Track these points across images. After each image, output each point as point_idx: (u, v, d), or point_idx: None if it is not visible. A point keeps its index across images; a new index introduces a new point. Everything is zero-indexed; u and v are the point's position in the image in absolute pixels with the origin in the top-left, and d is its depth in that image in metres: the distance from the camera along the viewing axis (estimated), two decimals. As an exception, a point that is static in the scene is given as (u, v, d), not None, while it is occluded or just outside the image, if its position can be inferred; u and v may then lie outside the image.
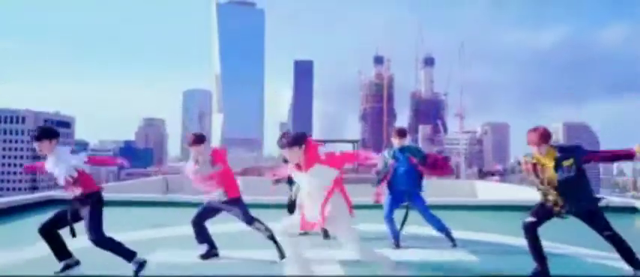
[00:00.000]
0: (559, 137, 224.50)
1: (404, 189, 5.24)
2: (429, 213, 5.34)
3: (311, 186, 3.64)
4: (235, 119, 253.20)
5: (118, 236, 4.17)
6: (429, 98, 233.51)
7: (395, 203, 5.32)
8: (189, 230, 4.84)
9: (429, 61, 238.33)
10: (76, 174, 3.99)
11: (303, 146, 3.64)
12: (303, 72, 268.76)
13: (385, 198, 5.35)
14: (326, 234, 5.67)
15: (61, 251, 4.16)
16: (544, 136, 3.88)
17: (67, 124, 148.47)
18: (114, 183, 13.74)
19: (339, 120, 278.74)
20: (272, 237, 4.45)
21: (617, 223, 4.00)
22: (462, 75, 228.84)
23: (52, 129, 4.15)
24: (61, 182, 4.03)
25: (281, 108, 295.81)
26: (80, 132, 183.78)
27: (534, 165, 3.94)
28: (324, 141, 26.43)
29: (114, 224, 4.64)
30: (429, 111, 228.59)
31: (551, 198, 3.91)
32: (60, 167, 4.01)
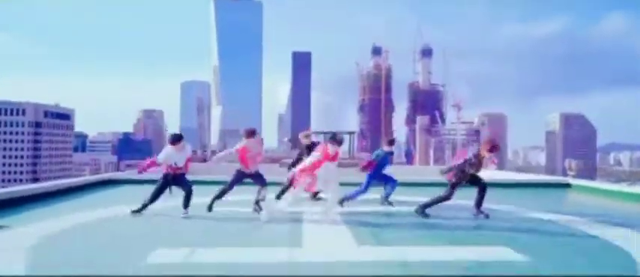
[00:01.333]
0: (556, 127, 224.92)
1: (385, 175, 7.75)
2: (390, 188, 7.73)
3: (334, 173, 6.17)
4: (234, 110, 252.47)
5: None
6: (427, 89, 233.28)
7: (373, 180, 7.59)
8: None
9: (426, 52, 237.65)
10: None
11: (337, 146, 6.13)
12: (302, 64, 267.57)
13: (366, 177, 7.58)
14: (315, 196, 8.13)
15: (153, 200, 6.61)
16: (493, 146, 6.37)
17: (66, 116, 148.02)
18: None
19: (337, 112, 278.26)
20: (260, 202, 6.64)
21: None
22: (458, 67, 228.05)
23: (181, 135, 6.71)
24: (181, 163, 6.54)
25: (279, 99, 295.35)
26: (80, 125, 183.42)
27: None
28: (323, 133, 26.33)
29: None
30: (427, 102, 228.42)
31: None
32: (184, 154, 6.59)
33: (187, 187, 6.51)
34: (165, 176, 6.55)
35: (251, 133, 6.66)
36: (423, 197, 7.30)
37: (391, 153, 7.79)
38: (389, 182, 7.70)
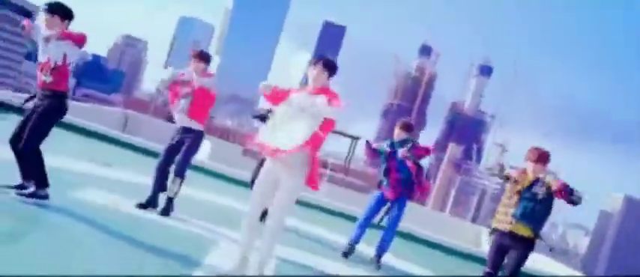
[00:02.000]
0: (615, 209, 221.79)
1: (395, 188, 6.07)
2: (392, 231, 6.16)
3: (303, 106, 3.87)
4: (233, 68, 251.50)
5: (58, 161, 5.45)
6: (471, 114, 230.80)
7: (379, 204, 6.22)
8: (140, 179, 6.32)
9: (485, 70, 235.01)
10: (61, 60, 4.50)
11: (331, 78, 4.12)
12: (332, 37, 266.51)
13: (370, 198, 6.33)
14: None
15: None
16: (543, 157, 4.93)
17: (28, 13, 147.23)
18: (76, 103, 14.68)
19: (356, 107, 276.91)
20: (171, 200, 5.47)
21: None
22: (519, 99, 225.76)
23: (61, 5, 4.66)
24: (43, 59, 4.47)
25: (292, 71, 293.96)
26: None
27: (522, 173, 4.95)
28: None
29: (60, 145, 5.73)
30: (467, 129, 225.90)
31: (510, 211, 4.86)
32: (56, 46, 4.48)
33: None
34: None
35: (198, 55, 5.71)
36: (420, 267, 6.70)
37: (405, 144, 6.09)
38: (392, 212, 6.18)
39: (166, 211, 5.44)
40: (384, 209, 6.27)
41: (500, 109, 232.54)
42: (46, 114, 4.48)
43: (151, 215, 5.31)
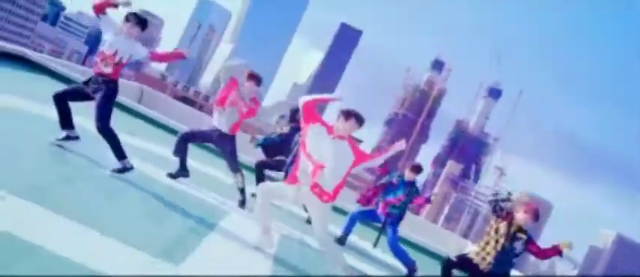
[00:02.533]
0: (606, 245, 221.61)
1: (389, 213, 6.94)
2: (397, 244, 6.89)
3: (335, 155, 4.56)
4: (244, 58, 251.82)
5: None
6: (475, 135, 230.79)
7: (370, 215, 7.18)
8: (161, 151, 6.93)
9: (494, 93, 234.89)
10: (127, 58, 5.23)
11: (357, 126, 4.72)
12: (347, 40, 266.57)
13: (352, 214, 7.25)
14: (309, 220, 6.57)
15: (66, 121, 5.34)
16: (534, 215, 5.31)
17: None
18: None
19: (360, 110, 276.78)
20: (242, 190, 6.24)
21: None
22: (524, 124, 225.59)
23: (146, 20, 5.45)
24: (109, 52, 5.15)
25: (301, 68, 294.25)
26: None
27: (508, 219, 5.33)
28: None
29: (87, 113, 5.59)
30: (469, 149, 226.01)
31: (489, 249, 5.33)
32: (127, 46, 5.21)
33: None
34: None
35: (255, 78, 6.08)
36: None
37: (409, 187, 6.97)
38: (389, 228, 6.92)
39: (243, 203, 6.22)
40: (376, 236, 7.34)
41: (504, 133, 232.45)
42: (108, 98, 5.18)
43: (183, 184, 6.07)
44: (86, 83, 5.34)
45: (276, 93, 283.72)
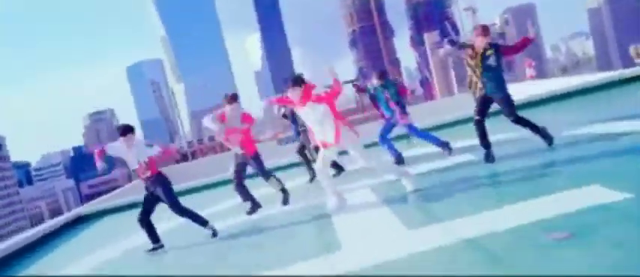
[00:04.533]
0: (599, 1, 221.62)
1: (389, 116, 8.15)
2: (421, 134, 8.37)
3: (314, 116, 5.84)
4: (199, 85, 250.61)
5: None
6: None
7: (389, 127, 8.29)
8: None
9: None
10: (147, 159, 6.12)
11: (303, 86, 5.82)
12: (267, 8, 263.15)
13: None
14: (338, 170, 8.62)
15: (154, 235, 6.32)
16: (484, 30, 6.22)
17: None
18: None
19: (325, 54, 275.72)
20: (284, 190, 7.02)
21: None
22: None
23: (132, 126, 6.30)
24: (134, 165, 6.15)
25: (251, 55, 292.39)
26: (16, 152, 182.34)
27: (472, 51, 6.31)
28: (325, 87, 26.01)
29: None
30: (432, 14, 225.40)
31: (474, 79, 6.38)
32: (136, 151, 6.12)
33: (169, 199, 6.27)
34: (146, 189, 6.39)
35: (232, 98, 6.82)
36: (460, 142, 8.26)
37: (384, 88, 8.07)
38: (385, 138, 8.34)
39: (286, 200, 7.07)
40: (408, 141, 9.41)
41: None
42: (166, 186, 6.18)
43: (264, 212, 6.99)
44: (147, 192, 6.28)
45: (246, 92, 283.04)
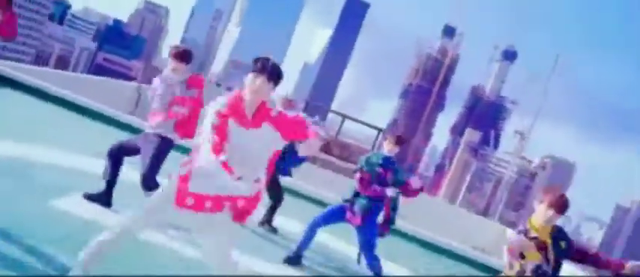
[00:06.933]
0: (633, 205, 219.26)
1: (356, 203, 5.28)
2: (371, 251, 5.31)
3: (255, 146, 3.11)
4: (252, 40, 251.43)
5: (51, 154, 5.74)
6: (492, 100, 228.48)
7: (339, 214, 5.36)
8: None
9: (509, 55, 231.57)
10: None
11: (276, 86, 3.19)
12: (355, 15, 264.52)
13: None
14: (269, 222, 6.17)
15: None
16: (564, 206, 3.88)
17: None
18: (81, 75, 13.78)
19: (374, 83, 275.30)
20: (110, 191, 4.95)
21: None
22: (542, 86, 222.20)
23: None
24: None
25: (311, 47, 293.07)
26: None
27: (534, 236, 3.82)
28: (343, 117, 23.19)
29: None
30: (486, 115, 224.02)
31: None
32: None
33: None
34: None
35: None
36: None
37: (391, 164, 5.34)
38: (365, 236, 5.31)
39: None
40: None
41: (522, 96, 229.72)
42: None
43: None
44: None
45: (288, 75, 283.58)
